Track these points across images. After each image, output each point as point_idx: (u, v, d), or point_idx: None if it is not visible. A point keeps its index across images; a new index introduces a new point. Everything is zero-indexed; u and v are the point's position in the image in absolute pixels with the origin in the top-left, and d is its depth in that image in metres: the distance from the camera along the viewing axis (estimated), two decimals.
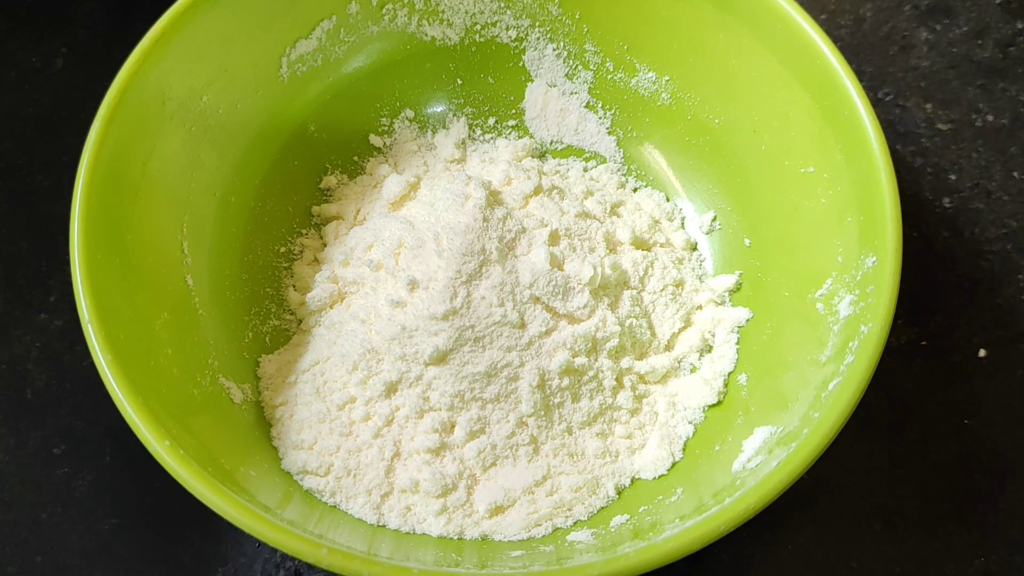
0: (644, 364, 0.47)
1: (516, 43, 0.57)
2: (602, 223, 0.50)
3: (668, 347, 0.49)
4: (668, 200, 0.55)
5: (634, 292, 0.48)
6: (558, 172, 0.56)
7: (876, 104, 0.62)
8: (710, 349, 0.49)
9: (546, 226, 0.47)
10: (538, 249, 0.45)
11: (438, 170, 0.55)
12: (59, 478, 0.50)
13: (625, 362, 0.46)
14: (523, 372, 0.44)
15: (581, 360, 0.44)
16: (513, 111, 0.59)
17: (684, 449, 0.46)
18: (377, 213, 0.52)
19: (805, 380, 0.41)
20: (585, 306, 0.45)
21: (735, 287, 0.51)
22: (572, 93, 0.58)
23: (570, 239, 0.47)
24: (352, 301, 0.48)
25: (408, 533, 0.42)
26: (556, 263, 0.46)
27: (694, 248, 0.53)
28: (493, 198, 0.47)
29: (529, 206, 0.49)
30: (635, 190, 0.56)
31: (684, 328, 0.50)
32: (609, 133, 0.58)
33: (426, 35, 0.57)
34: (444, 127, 0.59)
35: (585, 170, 0.56)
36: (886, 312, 0.38)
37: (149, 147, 0.45)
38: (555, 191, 0.50)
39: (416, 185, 0.53)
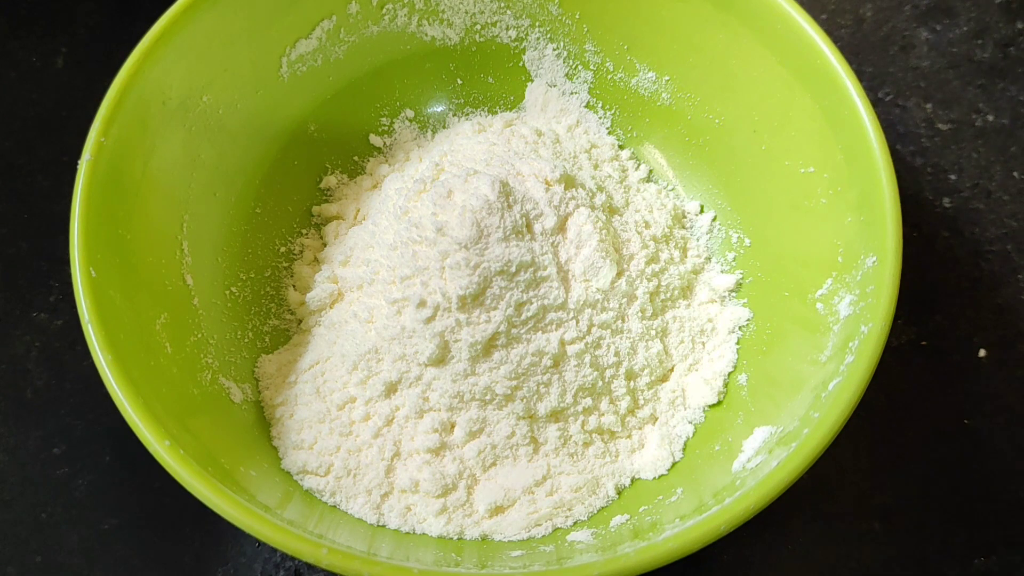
0: (643, 363, 0.47)
1: (516, 43, 0.58)
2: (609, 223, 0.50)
3: (666, 349, 0.49)
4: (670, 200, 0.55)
5: (636, 292, 0.48)
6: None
7: (876, 104, 0.62)
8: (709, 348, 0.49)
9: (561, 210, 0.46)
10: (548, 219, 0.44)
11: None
12: (59, 478, 0.50)
13: (625, 362, 0.46)
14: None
15: (583, 360, 0.44)
16: (513, 111, 0.59)
17: (684, 449, 0.46)
18: (378, 212, 0.52)
19: (805, 380, 0.41)
20: (592, 306, 0.45)
21: (735, 287, 0.51)
22: (572, 93, 0.58)
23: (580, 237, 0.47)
24: (352, 301, 0.48)
25: (408, 533, 0.42)
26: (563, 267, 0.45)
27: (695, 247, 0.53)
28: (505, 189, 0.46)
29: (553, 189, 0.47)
30: (641, 181, 0.56)
31: (683, 329, 0.50)
32: (609, 133, 0.58)
33: (426, 35, 0.57)
34: (444, 127, 0.59)
35: (596, 167, 0.56)
36: (886, 312, 0.38)
37: (149, 147, 0.45)
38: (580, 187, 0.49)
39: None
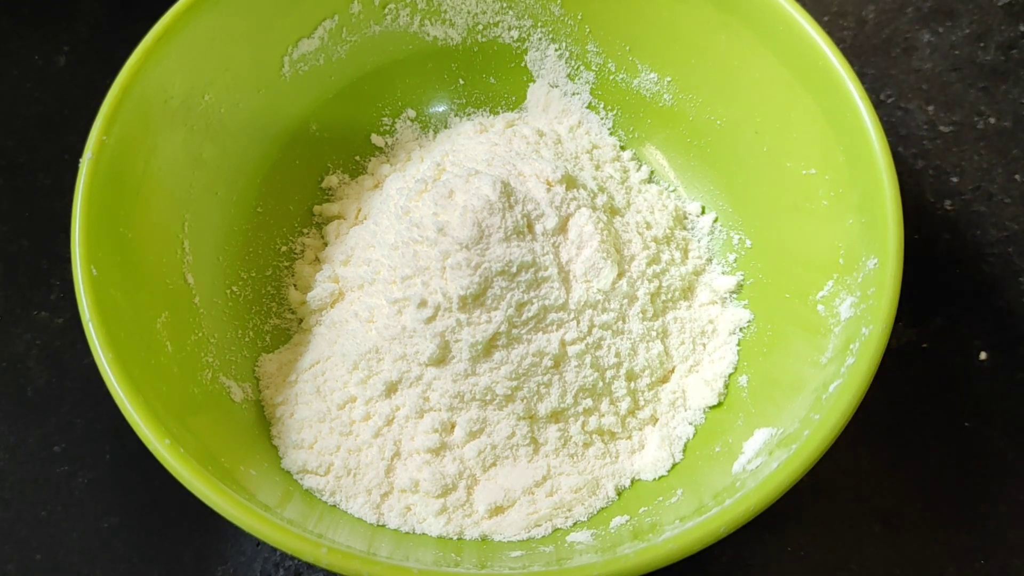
0: (643, 363, 0.47)
1: (518, 43, 0.58)
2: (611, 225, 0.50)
3: (667, 350, 0.49)
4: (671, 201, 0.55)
5: (637, 293, 0.48)
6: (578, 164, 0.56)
7: (878, 106, 0.62)
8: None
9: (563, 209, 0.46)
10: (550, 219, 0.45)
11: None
12: (59, 476, 0.50)
13: (626, 363, 0.46)
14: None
15: (584, 361, 0.44)
16: (515, 111, 0.59)
17: (684, 450, 0.46)
18: (379, 212, 0.52)
19: (806, 382, 0.41)
20: (593, 307, 0.45)
21: (736, 288, 0.50)
22: (574, 94, 0.58)
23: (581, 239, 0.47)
24: (353, 300, 0.48)
25: (408, 533, 0.42)
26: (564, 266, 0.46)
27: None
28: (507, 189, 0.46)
29: (554, 189, 0.47)
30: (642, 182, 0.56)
31: (684, 330, 0.50)
32: (611, 134, 0.58)
33: (428, 35, 0.57)
34: (446, 127, 0.59)
35: (598, 167, 0.56)
36: (887, 314, 0.38)
37: (151, 146, 0.45)
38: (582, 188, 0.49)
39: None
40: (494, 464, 0.44)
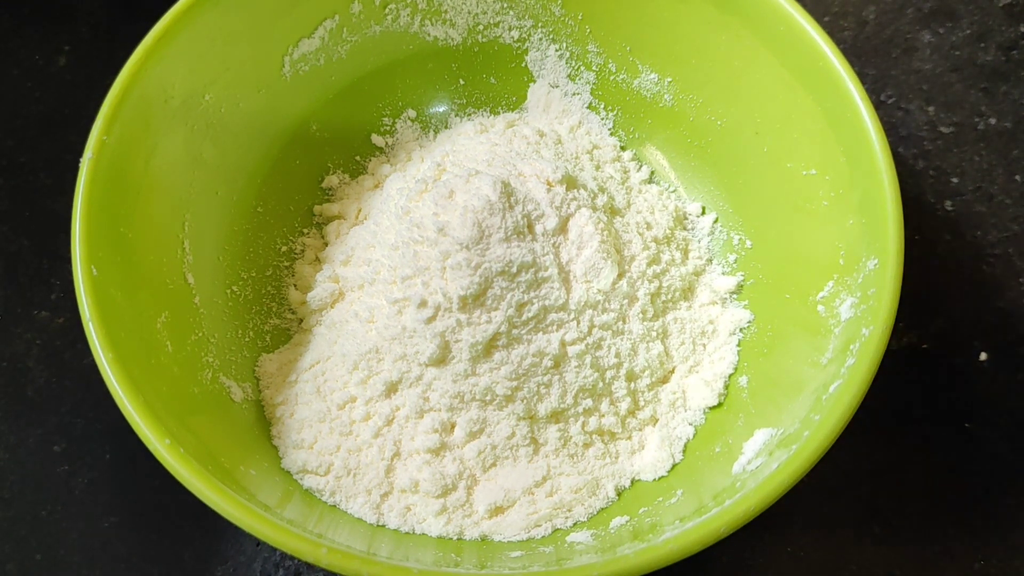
0: (643, 364, 0.47)
1: (519, 44, 0.58)
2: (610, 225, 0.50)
3: (667, 351, 0.49)
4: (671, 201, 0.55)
5: (637, 293, 0.48)
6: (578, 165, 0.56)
7: (878, 107, 0.62)
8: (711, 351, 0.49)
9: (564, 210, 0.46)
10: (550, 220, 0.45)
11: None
12: (59, 476, 0.50)
13: (626, 363, 0.46)
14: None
15: (584, 361, 0.44)
16: (516, 111, 0.59)
17: (684, 451, 0.46)
18: (379, 212, 0.52)
19: (806, 382, 0.41)
20: (593, 307, 0.45)
21: (736, 289, 0.50)
22: (574, 94, 0.58)
23: (582, 239, 0.47)
24: (353, 300, 0.48)
25: (407, 533, 0.42)
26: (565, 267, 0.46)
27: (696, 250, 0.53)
28: (507, 189, 0.46)
29: (554, 191, 0.47)
30: (642, 182, 0.56)
31: (684, 331, 0.50)
32: (611, 134, 0.58)
33: (429, 35, 0.57)
34: (446, 127, 0.59)
35: (598, 168, 0.56)
36: (887, 315, 0.38)
37: (151, 145, 0.45)
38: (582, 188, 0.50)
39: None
40: (494, 464, 0.44)
